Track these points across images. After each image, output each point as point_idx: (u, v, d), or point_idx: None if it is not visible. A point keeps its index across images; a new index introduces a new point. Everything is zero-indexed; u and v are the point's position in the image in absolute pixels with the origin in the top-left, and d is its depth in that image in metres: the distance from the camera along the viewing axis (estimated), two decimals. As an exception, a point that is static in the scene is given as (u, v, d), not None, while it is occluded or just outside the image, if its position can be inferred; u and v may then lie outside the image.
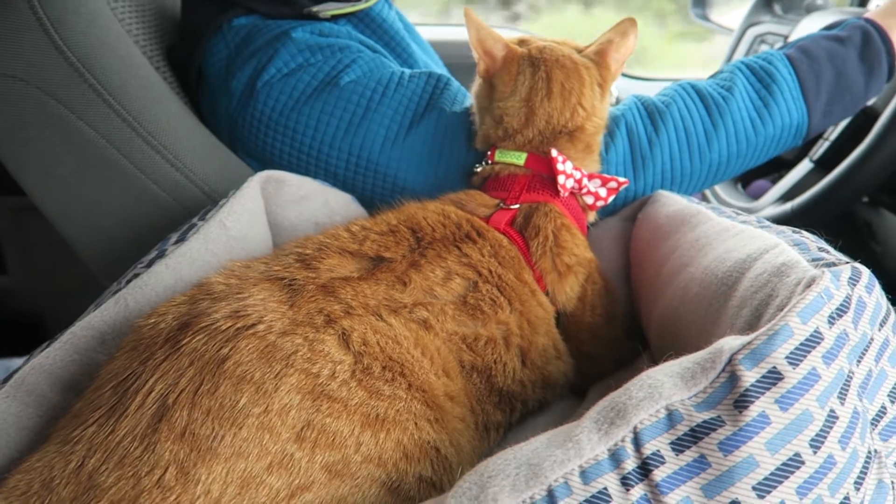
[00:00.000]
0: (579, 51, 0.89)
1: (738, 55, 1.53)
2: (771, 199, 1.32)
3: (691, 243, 0.72)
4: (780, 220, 1.21)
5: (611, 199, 0.85)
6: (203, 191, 0.91)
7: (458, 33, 1.90)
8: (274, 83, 0.93)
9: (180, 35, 1.05)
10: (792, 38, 1.37)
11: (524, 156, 0.84)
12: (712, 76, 0.99)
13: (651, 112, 0.92)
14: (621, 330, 0.83)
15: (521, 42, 0.89)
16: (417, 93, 0.94)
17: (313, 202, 0.83)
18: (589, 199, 0.84)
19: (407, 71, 0.96)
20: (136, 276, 0.68)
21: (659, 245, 0.80)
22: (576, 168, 0.83)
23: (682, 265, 0.71)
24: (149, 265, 0.69)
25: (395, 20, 1.13)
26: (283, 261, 0.63)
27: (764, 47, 1.45)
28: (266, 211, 0.81)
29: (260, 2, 1.00)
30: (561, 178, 0.81)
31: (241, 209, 0.76)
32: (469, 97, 0.97)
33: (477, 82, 0.89)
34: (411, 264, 0.67)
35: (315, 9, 0.98)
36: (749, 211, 1.35)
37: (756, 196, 1.40)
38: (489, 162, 0.86)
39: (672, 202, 0.84)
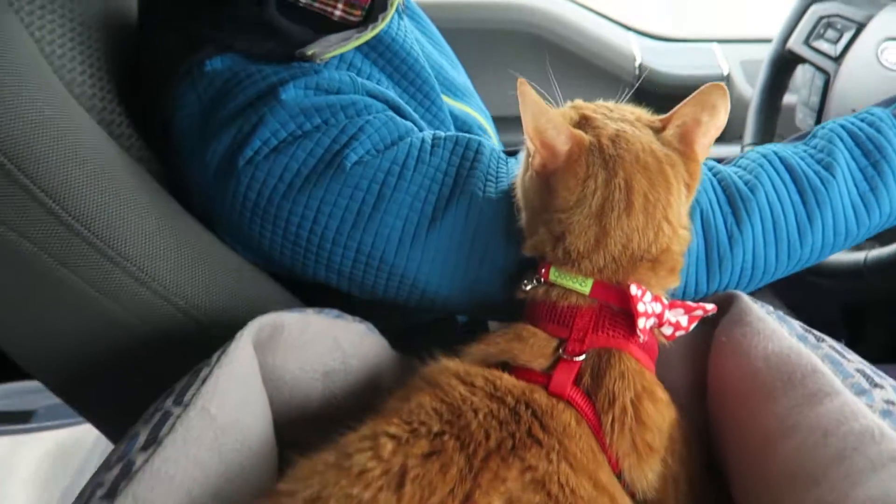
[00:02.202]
0: (656, 130, 0.69)
1: (797, 36, 1.30)
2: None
3: (818, 439, 0.56)
4: (850, 269, 1.05)
5: (692, 326, 0.68)
6: (178, 307, 0.72)
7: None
8: (259, 162, 0.72)
9: (138, 76, 0.83)
10: (869, 31, 1.16)
11: (590, 282, 0.65)
12: (802, 138, 0.80)
13: (732, 198, 0.73)
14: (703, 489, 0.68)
15: (584, 120, 0.68)
16: (442, 170, 0.74)
17: (320, 346, 0.65)
18: (667, 331, 0.67)
19: (427, 137, 0.76)
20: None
21: (759, 405, 0.63)
22: (656, 299, 0.65)
23: (806, 473, 0.55)
24: (110, 495, 0.52)
25: (406, 38, 0.90)
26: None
27: (831, 33, 1.23)
28: (261, 366, 0.63)
29: (238, 36, 0.77)
30: (641, 322, 0.63)
31: (227, 384, 0.58)
32: (508, 166, 0.77)
33: (527, 173, 0.69)
34: (463, 502, 0.50)
35: (310, 51, 0.76)
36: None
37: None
38: (541, 280, 0.68)
39: (768, 330, 0.67)
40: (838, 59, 1.20)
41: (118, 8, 0.89)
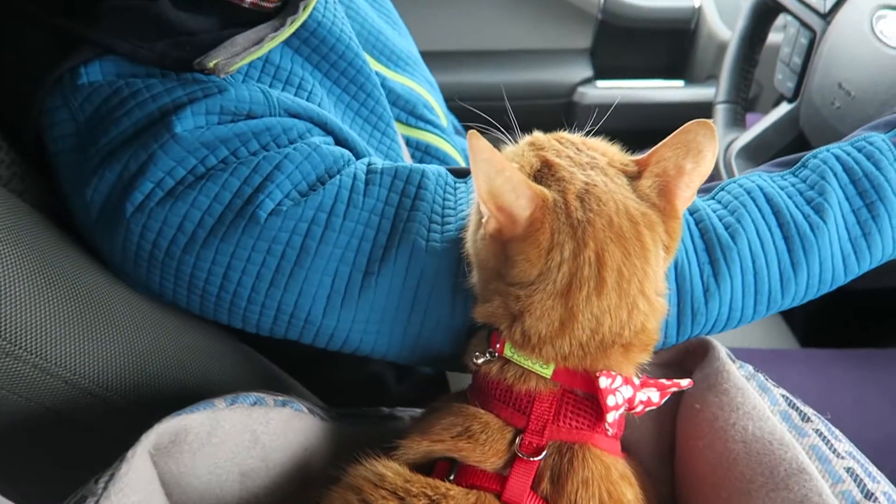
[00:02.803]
0: (631, 176, 0.58)
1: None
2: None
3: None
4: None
5: (663, 401, 0.60)
6: (64, 379, 0.60)
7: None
8: (152, 209, 0.59)
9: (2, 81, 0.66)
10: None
11: (552, 367, 0.56)
12: (790, 165, 0.69)
13: (711, 246, 0.64)
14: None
15: (547, 168, 0.56)
16: (378, 212, 0.62)
17: (234, 445, 0.55)
18: (637, 409, 0.59)
19: (360, 171, 0.63)
20: None
21: (736, 499, 0.56)
22: (626, 381, 0.56)
23: None
24: None
25: (336, 20, 0.75)
26: None
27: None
28: (162, 475, 0.53)
29: (122, 35, 0.62)
30: (611, 416, 0.55)
31: (119, 520, 0.48)
32: (457, 196, 0.66)
33: (479, 231, 0.58)
34: None
35: (212, 63, 0.61)
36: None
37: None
38: (495, 354, 0.58)
39: (748, 405, 0.59)
40: (827, 17, 1.08)
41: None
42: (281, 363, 0.86)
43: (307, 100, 0.69)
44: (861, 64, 0.98)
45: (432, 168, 0.66)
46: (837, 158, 0.66)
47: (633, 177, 0.58)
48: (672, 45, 1.67)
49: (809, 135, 1.11)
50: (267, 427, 0.57)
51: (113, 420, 0.63)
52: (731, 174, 1.18)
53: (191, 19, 0.64)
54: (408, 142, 0.90)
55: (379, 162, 0.65)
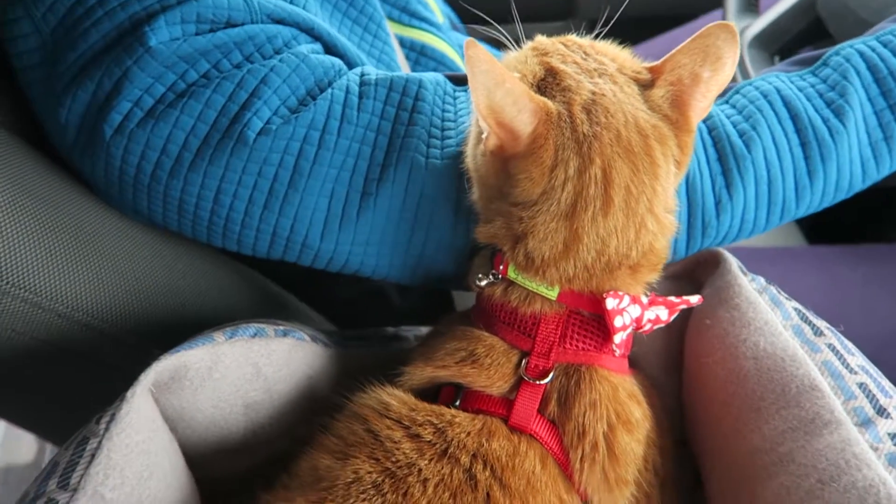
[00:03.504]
0: (643, 85, 0.53)
1: None
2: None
3: (812, 486, 0.49)
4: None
5: (672, 318, 0.58)
6: (57, 313, 0.58)
7: None
8: (132, 131, 0.55)
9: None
10: None
11: (557, 289, 0.54)
12: (810, 63, 0.65)
13: (724, 156, 0.60)
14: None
15: (551, 77, 0.52)
16: (374, 128, 0.58)
17: (236, 379, 0.54)
18: (645, 328, 0.57)
19: (353, 82, 0.59)
20: None
21: (746, 417, 0.55)
22: (634, 300, 0.54)
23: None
24: None
25: None
26: None
27: None
28: (164, 411, 0.52)
29: None
30: (618, 337, 0.53)
31: (122, 458, 0.47)
32: (456, 106, 0.62)
33: (479, 146, 0.54)
34: None
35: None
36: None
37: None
38: (499, 276, 0.56)
39: (759, 321, 0.57)
40: None
41: None
42: (282, 282, 0.85)
43: (291, 3, 0.64)
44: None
45: (430, 76, 0.62)
46: (861, 55, 0.62)
47: (646, 85, 0.53)
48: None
49: (828, 20, 1.04)
50: (269, 359, 0.55)
51: (111, 351, 0.62)
52: (742, 65, 1.12)
53: None
54: (402, 42, 0.84)
55: (373, 72, 0.61)
